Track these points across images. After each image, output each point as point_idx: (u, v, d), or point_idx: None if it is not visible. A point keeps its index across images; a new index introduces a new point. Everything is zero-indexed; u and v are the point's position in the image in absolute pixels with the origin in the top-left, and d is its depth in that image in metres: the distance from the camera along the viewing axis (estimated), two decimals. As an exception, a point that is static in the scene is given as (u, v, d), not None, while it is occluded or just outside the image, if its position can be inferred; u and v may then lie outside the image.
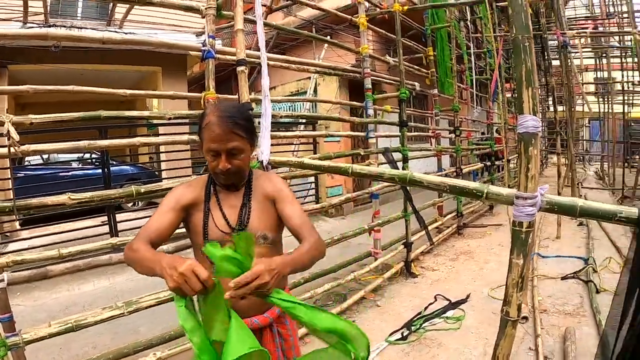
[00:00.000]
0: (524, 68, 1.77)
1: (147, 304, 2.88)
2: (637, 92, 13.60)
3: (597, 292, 4.57)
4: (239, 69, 3.48)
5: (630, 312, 1.51)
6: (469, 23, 8.65)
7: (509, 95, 12.54)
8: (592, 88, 17.71)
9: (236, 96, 3.61)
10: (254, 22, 3.61)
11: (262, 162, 3.25)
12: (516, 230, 1.81)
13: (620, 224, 1.65)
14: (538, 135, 1.78)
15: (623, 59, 14.07)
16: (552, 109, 15.19)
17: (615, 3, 13.31)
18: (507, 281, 1.85)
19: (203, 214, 1.73)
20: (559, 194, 7.31)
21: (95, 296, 5.29)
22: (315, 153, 8.91)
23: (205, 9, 3.49)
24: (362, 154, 4.93)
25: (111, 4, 8.72)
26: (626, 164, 13.94)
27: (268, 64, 4.30)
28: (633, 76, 13.89)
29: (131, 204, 8.88)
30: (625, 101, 14.02)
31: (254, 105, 4.07)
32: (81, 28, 7.82)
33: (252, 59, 3.88)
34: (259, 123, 3.38)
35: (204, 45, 3.43)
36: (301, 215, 1.75)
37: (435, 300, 4.64)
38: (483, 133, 12.52)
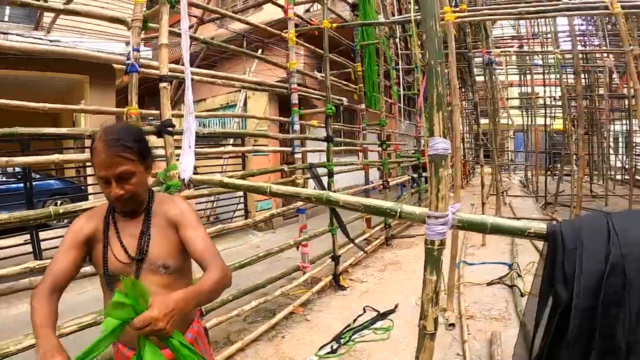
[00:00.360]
0: (435, 92, 1.79)
1: (70, 329, 2.74)
2: (558, 106, 14.40)
3: (522, 295, 4.75)
4: (162, 85, 3.40)
5: (545, 314, 1.56)
6: (397, 40, 8.88)
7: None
8: (516, 102, 18.65)
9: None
10: (180, 35, 3.55)
11: (183, 180, 3.20)
12: (428, 248, 1.84)
13: (530, 239, 1.70)
14: (448, 157, 1.82)
15: (546, 75, 14.88)
16: (481, 122, 15.93)
17: (540, 24, 14.06)
18: (422, 297, 1.88)
19: (102, 245, 1.66)
20: (483, 203, 7.59)
21: (23, 321, 4.98)
22: (244, 168, 8.86)
23: (132, 20, 3.42)
24: (286, 170, 4.94)
25: (39, 8, 8.33)
26: (549, 173, 14.70)
27: (193, 79, 4.27)
28: (555, 91, 14.69)
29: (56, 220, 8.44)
30: (548, 114, 14.85)
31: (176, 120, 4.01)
32: (6, 33, 7.44)
33: (177, 74, 3.83)
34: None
35: (128, 59, 3.34)
36: (204, 241, 1.68)
37: (364, 311, 4.67)
38: (415, 145, 12.89)
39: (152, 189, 1.84)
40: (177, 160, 3.31)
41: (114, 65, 3.61)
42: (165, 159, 3.42)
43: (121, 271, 1.61)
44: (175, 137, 3.44)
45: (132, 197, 1.62)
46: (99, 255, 1.66)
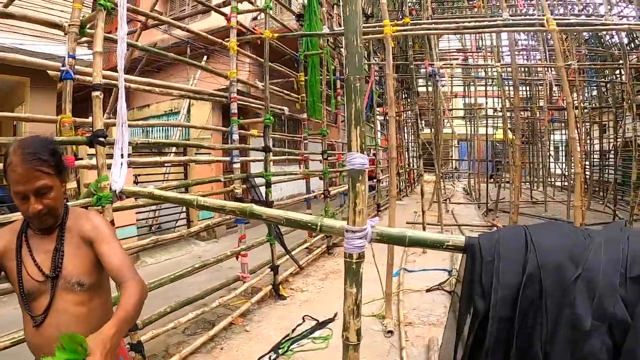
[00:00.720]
0: (353, 107, 1.77)
1: (3, 345, 2.63)
2: (500, 117, 14.94)
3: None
4: (94, 94, 3.30)
5: (467, 321, 1.59)
6: (343, 50, 8.99)
7: (381, 118, 13.20)
8: (461, 113, 19.23)
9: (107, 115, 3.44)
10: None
11: (115, 191, 3.13)
12: (347, 262, 1.85)
13: (449, 251, 1.72)
14: (365, 172, 1.81)
15: (488, 87, 15.43)
16: (424, 131, 16.37)
17: (484, 38, 14.56)
18: (344, 309, 1.89)
19: (16, 263, 1.62)
20: (423, 211, 7.75)
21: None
22: (186, 177, 8.68)
23: (68, 25, 3.33)
24: (222, 180, 4.90)
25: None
26: (491, 180, 15.19)
27: (130, 87, 4.19)
28: (498, 103, 15.24)
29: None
30: (491, 125, 15.38)
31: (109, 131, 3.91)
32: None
33: (113, 81, 3.74)
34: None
35: (63, 65, 3.24)
36: (119, 255, 1.66)
37: (304, 321, 4.66)
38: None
39: (67, 203, 1.80)
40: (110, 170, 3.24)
41: (48, 71, 3.49)
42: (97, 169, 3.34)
43: (36, 289, 1.58)
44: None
45: (50, 212, 1.60)
46: (12, 273, 1.61)
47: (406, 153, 17.86)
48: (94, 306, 1.66)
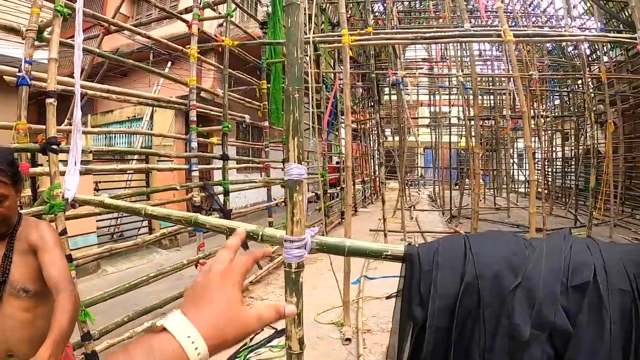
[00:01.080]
0: (291, 118, 1.79)
1: None
2: (462, 125, 15.22)
3: (421, 308, 4.91)
4: (48, 100, 3.26)
5: (408, 333, 1.61)
6: (308, 58, 9.05)
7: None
8: (427, 121, 19.53)
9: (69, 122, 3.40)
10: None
11: (67, 199, 3.10)
12: (287, 271, 1.86)
13: (389, 260, 1.72)
14: (303, 182, 1.83)
15: (453, 96, 15.71)
16: (389, 139, 16.54)
17: (449, 48, 14.86)
18: (285, 319, 1.92)
19: None
20: (384, 219, 7.82)
21: None
22: (147, 183, 8.59)
23: (26, 30, 3.29)
24: (178, 188, 4.88)
25: None
26: (455, 187, 15.42)
27: (87, 94, 4.15)
28: (462, 112, 15.55)
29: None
30: (456, 133, 15.64)
31: (60, 138, 3.86)
32: None
33: (70, 88, 3.70)
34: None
35: (19, 71, 3.20)
36: (58, 266, 1.70)
37: (262, 329, 4.65)
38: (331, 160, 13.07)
39: (21, 212, 1.86)
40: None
41: (4, 77, 3.42)
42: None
43: None
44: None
45: (4, 221, 1.66)
46: None
47: (372, 161, 18.01)
48: (39, 313, 1.69)
